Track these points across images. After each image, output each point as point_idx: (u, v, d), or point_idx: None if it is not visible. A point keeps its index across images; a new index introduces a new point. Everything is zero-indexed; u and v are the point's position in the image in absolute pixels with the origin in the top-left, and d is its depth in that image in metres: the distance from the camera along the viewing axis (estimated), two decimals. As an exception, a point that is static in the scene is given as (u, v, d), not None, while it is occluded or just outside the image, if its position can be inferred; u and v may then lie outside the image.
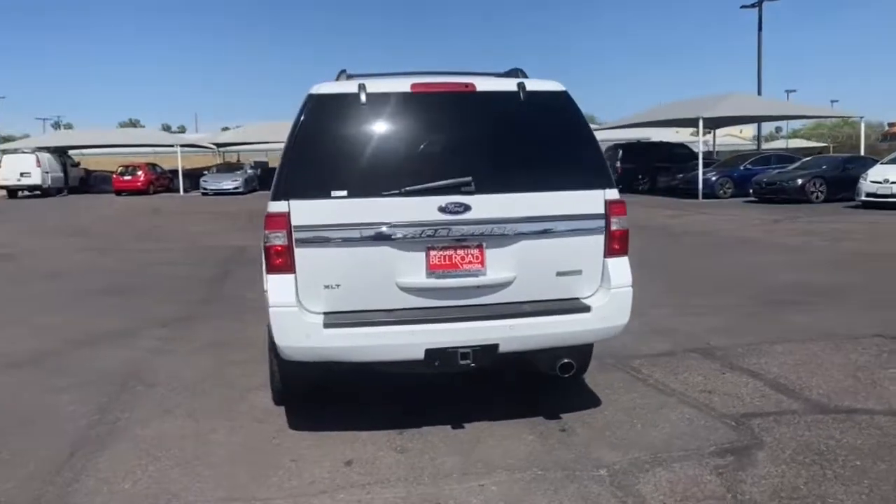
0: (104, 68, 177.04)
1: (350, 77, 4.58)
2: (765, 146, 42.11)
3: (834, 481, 3.68)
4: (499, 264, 4.21)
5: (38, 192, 37.70)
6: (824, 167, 23.46)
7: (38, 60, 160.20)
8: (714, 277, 9.69)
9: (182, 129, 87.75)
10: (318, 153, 4.17)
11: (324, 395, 5.10)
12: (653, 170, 29.59)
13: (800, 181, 22.52)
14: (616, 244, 4.37)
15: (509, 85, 4.39)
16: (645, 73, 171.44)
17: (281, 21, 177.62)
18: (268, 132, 40.82)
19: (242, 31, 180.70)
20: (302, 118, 4.18)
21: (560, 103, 4.43)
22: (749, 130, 55.43)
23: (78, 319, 8.03)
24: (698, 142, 27.50)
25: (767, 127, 50.82)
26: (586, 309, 4.26)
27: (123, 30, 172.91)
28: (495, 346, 4.13)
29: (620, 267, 4.37)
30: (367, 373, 4.66)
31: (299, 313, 4.02)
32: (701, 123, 26.26)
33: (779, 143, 64.93)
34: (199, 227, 19.07)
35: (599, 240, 4.33)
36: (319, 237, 4.05)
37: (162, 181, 40.09)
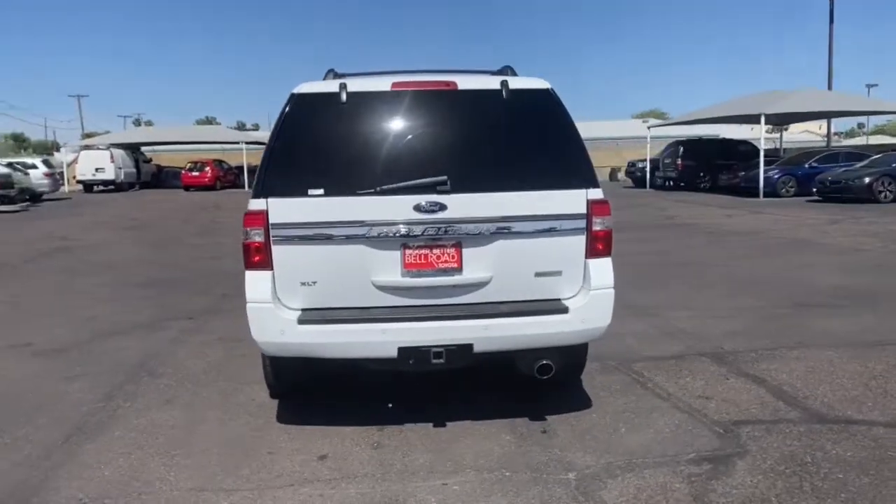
0: (183, 68, 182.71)
1: (338, 76, 4.63)
2: (845, 143, 40.45)
3: (809, 494, 3.55)
4: (475, 264, 4.19)
5: (111, 187, 39.30)
6: (895, 165, 22.40)
7: (120, 60, 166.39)
8: (748, 279, 9.39)
9: (256, 127, 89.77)
10: (298, 152, 4.23)
11: (316, 390, 5.19)
12: (714, 167, 28.87)
13: (867, 179, 21.58)
14: (598, 245, 4.29)
15: (492, 83, 4.36)
16: (723, 68, 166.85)
17: (347, 20, 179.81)
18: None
19: (310, 31, 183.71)
20: (283, 118, 4.25)
21: (544, 101, 4.38)
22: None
23: (113, 311, 8.34)
24: (763, 139, 26.59)
25: (849, 123, 48.66)
26: (564, 310, 4.20)
27: (201, 31, 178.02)
28: (469, 346, 4.12)
29: (602, 268, 4.29)
30: (357, 369, 4.71)
31: (274, 309, 4.09)
32: (763, 120, 25.39)
33: (858, 140, 62.22)
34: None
35: (581, 240, 4.27)
36: (296, 235, 4.11)
37: (228, 177, 41.14)
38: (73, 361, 6.23)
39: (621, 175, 40.44)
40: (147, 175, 43.11)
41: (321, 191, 4.12)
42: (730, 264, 10.70)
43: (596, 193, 4.29)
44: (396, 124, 4.30)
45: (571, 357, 4.74)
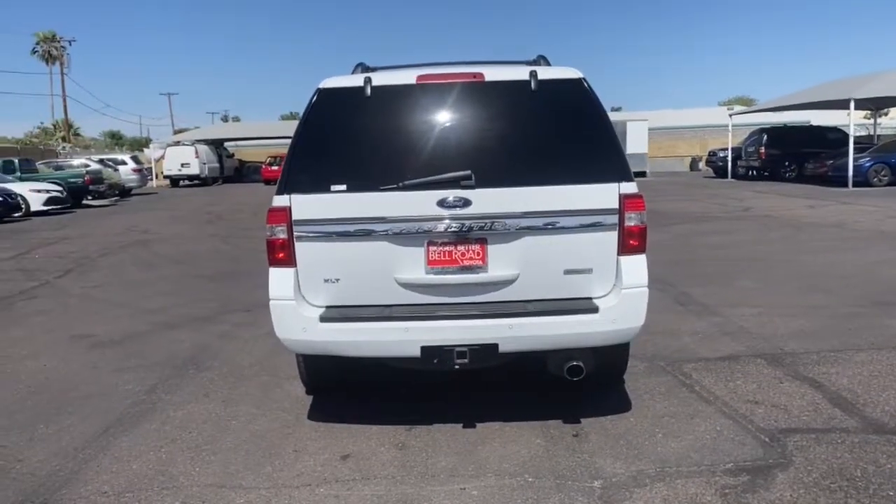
0: (269, 64, 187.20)
1: (367, 70, 4.55)
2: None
3: (853, 512, 3.27)
4: (501, 261, 4.06)
5: (196, 182, 40.68)
6: None
7: (207, 58, 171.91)
8: (823, 275, 8.87)
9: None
10: (322, 148, 4.18)
11: (353, 387, 5.16)
12: (800, 156, 27.57)
13: (968, 167, 20.15)
14: (631, 241, 4.08)
15: (520, 74, 4.20)
16: (820, 51, 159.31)
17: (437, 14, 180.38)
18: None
19: (389, 23, 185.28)
20: (307, 113, 4.21)
21: (574, 92, 4.19)
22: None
23: (175, 303, 8.56)
24: (853, 125, 25.17)
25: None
26: (594, 310, 4.02)
27: (285, 27, 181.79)
28: (494, 346, 3.99)
29: (635, 266, 4.08)
30: (386, 367, 4.64)
31: (297, 307, 4.06)
32: (852, 105, 23.99)
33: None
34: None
35: (612, 236, 4.06)
36: (319, 232, 4.06)
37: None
38: (128, 353, 6.41)
39: (702, 165, 39.17)
40: (230, 170, 44.45)
41: (344, 186, 4.06)
42: (805, 259, 10.15)
43: (629, 187, 4.08)
44: (421, 118, 4.20)
45: (608, 358, 4.54)
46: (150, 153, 46.40)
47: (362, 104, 4.17)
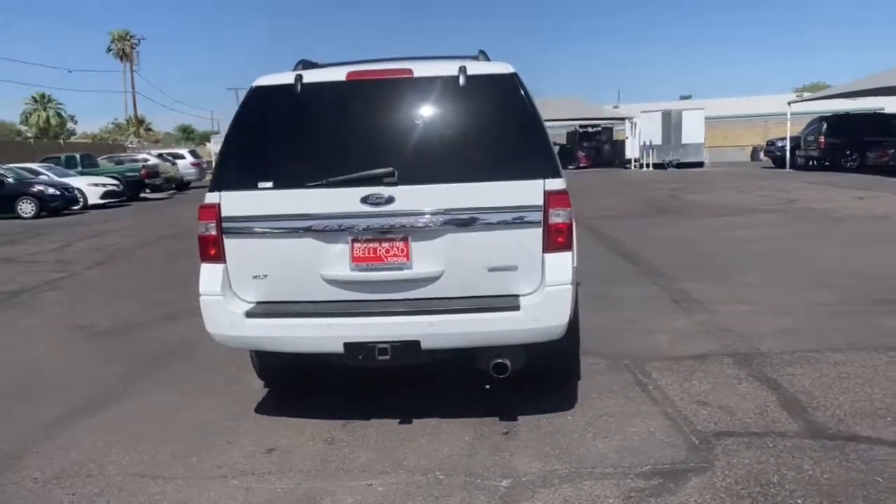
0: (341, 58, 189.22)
1: (309, 66, 4.59)
2: None
3: (753, 520, 3.17)
4: (425, 258, 4.05)
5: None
6: None
7: (273, 54, 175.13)
8: (837, 271, 8.52)
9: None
10: (252, 145, 4.26)
11: (311, 381, 5.23)
12: (863, 144, 26.45)
13: None
14: (556, 238, 4.02)
15: (449, 69, 4.18)
16: None
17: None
18: (565, 109, 40.84)
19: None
20: (239, 111, 4.28)
21: (503, 87, 4.15)
22: None
23: (184, 296, 8.71)
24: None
25: None
26: (515, 308, 3.98)
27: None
28: (416, 342, 3.99)
29: (559, 263, 4.02)
30: (328, 362, 4.70)
31: (224, 302, 4.15)
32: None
33: None
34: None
35: (537, 233, 4.01)
36: (247, 228, 4.14)
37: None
38: (120, 344, 6.65)
39: (762, 155, 37.97)
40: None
41: (270, 183, 4.12)
42: (827, 254, 9.76)
43: (555, 184, 4.02)
44: (350, 115, 4.23)
45: (552, 356, 4.49)
46: (212, 147, 47.65)
47: (293, 102, 4.21)
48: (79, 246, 14.23)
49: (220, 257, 4.18)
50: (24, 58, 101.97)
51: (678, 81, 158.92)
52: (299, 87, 4.21)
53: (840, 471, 3.57)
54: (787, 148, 30.47)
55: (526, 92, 4.16)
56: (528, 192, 3.99)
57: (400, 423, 4.44)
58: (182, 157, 35.70)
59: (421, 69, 4.21)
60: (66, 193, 22.09)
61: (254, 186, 4.13)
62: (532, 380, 4.90)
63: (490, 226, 4.01)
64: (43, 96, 73.78)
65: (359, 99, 4.21)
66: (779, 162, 31.90)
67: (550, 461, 3.84)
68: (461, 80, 4.12)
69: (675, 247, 10.91)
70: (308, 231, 4.07)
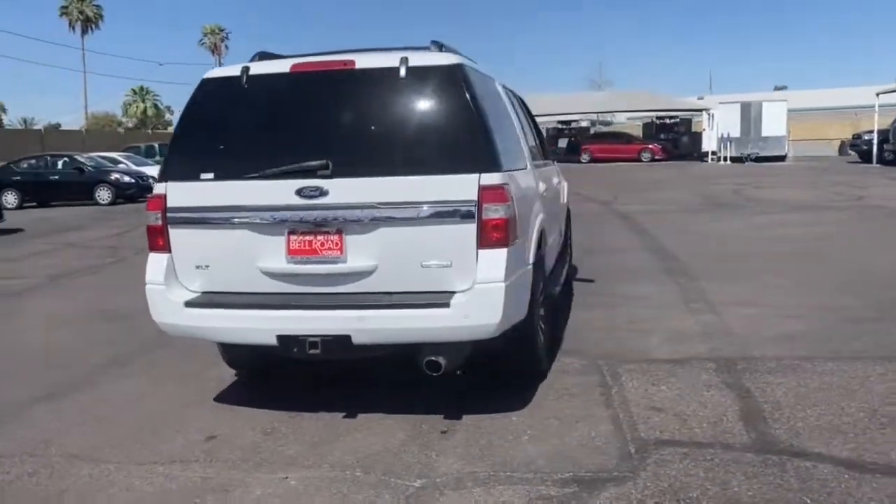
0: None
1: (266, 58, 4.58)
2: None
3: (653, 536, 3.00)
4: (359, 252, 4.01)
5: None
6: None
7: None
8: (873, 273, 7.98)
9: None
10: (199, 136, 4.32)
11: (280, 371, 5.27)
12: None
13: None
14: (491, 234, 3.91)
15: (392, 60, 4.11)
16: None
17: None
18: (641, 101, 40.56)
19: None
20: (188, 102, 4.33)
21: (444, 79, 4.06)
22: None
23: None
24: None
25: None
26: (445, 304, 3.89)
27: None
28: (347, 337, 3.96)
29: (492, 260, 3.91)
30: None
31: (166, 291, 4.22)
32: None
33: None
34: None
35: (471, 229, 3.91)
36: (189, 219, 4.20)
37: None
38: (126, 328, 6.85)
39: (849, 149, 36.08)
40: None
41: (212, 175, 4.16)
42: (872, 257, 9.17)
43: (490, 178, 3.90)
44: (291, 107, 4.23)
45: (505, 355, 4.40)
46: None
47: (239, 94, 4.24)
48: (137, 232, 14.79)
49: (165, 247, 4.25)
50: (125, 53, 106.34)
51: (773, 72, 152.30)
52: (245, 80, 4.23)
53: (768, 489, 3.34)
54: (875, 142, 28.82)
55: (468, 84, 4.04)
56: (462, 186, 3.89)
57: (344, 416, 4.42)
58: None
59: (364, 61, 4.17)
60: (141, 181, 23.03)
61: (197, 178, 4.18)
62: (493, 378, 4.80)
63: (424, 221, 3.93)
64: (142, 88, 77.53)
65: (301, 91, 4.20)
66: (865, 157, 30.25)
67: (474, 463, 3.74)
68: (402, 72, 4.04)
69: (713, 244, 10.51)
70: (246, 223, 4.10)
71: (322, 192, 3.98)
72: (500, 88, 5.05)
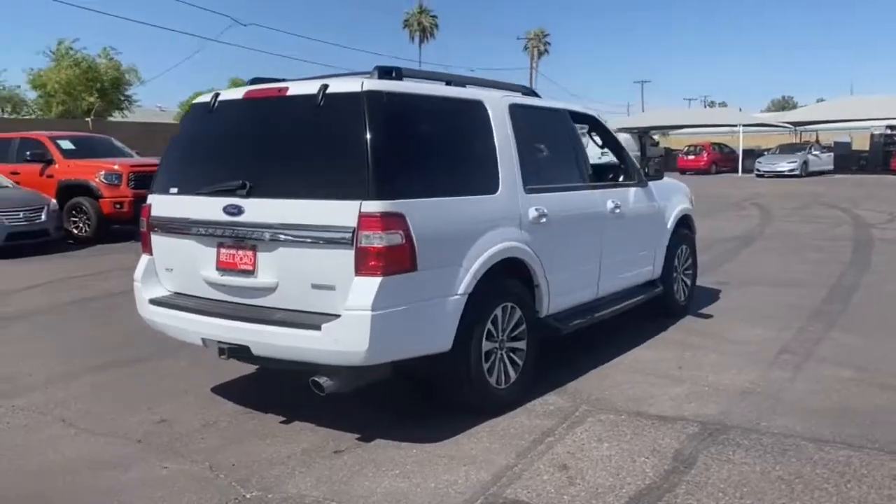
0: (760, 48, 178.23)
1: (259, 81, 4.97)
2: None
3: None
4: (266, 269, 4.26)
5: (617, 170, 41.78)
6: None
7: (688, 43, 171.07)
8: None
9: (791, 105, 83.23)
10: (178, 154, 4.88)
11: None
12: None
13: None
14: (368, 262, 3.90)
15: (313, 87, 4.27)
16: None
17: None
18: (853, 108, 36.97)
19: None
20: (181, 122, 4.93)
21: (349, 106, 4.10)
22: None
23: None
24: None
25: None
26: (317, 327, 3.97)
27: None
28: (247, 347, 4.24)
29: (365, 288, 3.90)
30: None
31: (141, 288, 4.86)
32: None
33: None
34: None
35: (350, 255, 3.94)
36: (161, 226, 4.78)
37: (727, 161, 39.88)
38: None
39: None
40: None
41: (176, 190, 4.70)
42: None
43: (372, 206, 3.89)
44: (236, 130, 4.60)
45: (440, 382, 4.49)
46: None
47: (208, 117, 4.72)
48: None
49: (149, 250, 4.89)
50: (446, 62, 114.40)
51: None
52: (213, 105, 4.70)
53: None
54: None
55: (373, 110, 4.05)
56: (344, 212, 3.94)
57: (281, 422, 4.68)
58: (540, 150, 37.42)
59: (297, 87, 4.38)
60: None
61: (168, 192, 4.75)
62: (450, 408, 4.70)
63: (312, 244, 4.06)
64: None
65: (245, 115, 4.57)
66: None
67: (320, 487, 3.78)
68: (319, 99, 4.19)
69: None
70: (192, 234, 4.56)
71: (240, 210, 4.30)
72: (490, 112, 4.85)
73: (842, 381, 5.24)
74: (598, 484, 3.75)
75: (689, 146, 40.15)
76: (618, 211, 5.93)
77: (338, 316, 4.00)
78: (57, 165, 14.22)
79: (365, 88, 4.12)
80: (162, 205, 4.79)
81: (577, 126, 6.15)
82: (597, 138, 6.68)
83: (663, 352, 6.09)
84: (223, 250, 4.43)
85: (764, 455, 4.04)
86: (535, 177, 5.07)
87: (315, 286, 4.10)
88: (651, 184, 6.69)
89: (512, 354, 4.82)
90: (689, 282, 7.40)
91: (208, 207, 4.44)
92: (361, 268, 3.92)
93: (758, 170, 34.71)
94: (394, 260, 3.93)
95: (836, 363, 5.67)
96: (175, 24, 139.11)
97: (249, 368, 5.55)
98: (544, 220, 5.00)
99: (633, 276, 6.42)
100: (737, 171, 38.07)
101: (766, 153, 37.16)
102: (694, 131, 48.13)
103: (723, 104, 78.76)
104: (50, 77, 30.28)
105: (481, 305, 4.47)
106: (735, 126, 39.94)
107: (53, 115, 29.14)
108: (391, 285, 3.93)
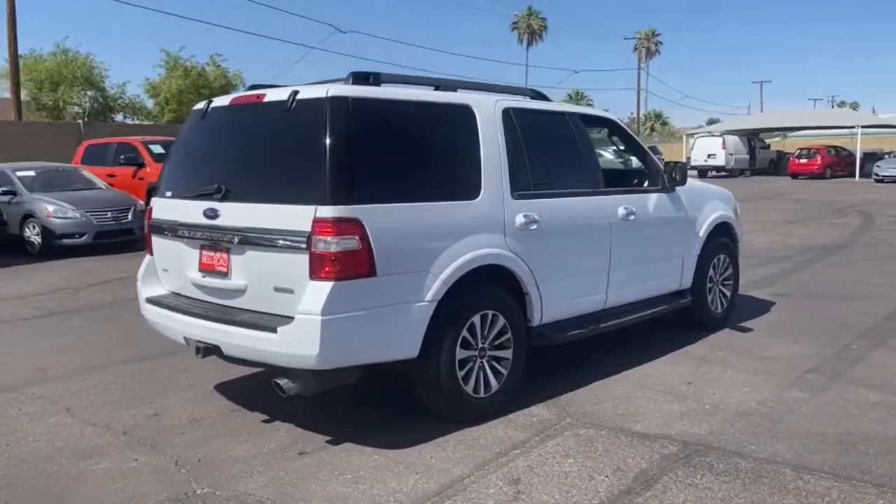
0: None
1: (253, 88, 5.10)
2: None
3: None
4: (238, 271, 4.37)
5: (723, 174, 40.15)
6: None
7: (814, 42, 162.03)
8: None
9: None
10: (176, 159, 5.07)
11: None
12: None
13: None
14: (321, 267, 3.93)
15: (285, 94, 4.34)
16: None
17: None
18: None
19: None
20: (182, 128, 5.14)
21: (315, 111, 4.13)
22: None
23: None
24: None
25: None
26: (273, 330, 4.03)
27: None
28: (218, 347, 4.36)
29: (317, 293, 3.92)
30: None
31: (141, 287, 5.08)
32: None
33: None
34: (766, 216, 18.02)
35: (304, 260, 3.98)
36: (157, 228, 4.99)
37: (844, 165, 37.54)
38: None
39: None
40: (763, 161, 42.46)
41: (170, 193, 4.90)
42: None
43: (326, 212, 3.91)
44: (219, 136, 4.73)
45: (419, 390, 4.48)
46: (700, 142, 46.91)
47: (200, 123, 4.89)
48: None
49: (150, 250, 5.11)
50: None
51: None
52: (206, 111, 4.86)
53: None
54: None
55: (335, 116, 4.07)
56: (300, 217, 3.99)
57: (262, 421, 4.79)
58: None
59: (273, 94, 4.46)
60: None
61: (164, 195, 4.95)
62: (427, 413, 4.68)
63: (273, 247, 4.13)
64: (578, 94, 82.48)
65: (228, 122, 4.70)
66: None
67: (268, 488, 3.84)
68: (288, 105, 4.26)
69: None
70: (179, 236, 4.73)
71: (216, 214, 4.42)
72: (478, 117, 4.77)
73: (860, 406, 4.84)
74: (543, 501, 3.62)
75: (802, 149, 37.96)
76: (632, 218, 5.70)
77: (291, 318, 4.05)
78: (148, 168, 15.06)
79: (329, 94, 4.14)
80: (159, 208, 4.99)
81: (594, 129, 5.96)
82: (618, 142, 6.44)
83: (679, 366, 5.80)
84: (204, 252, 4.57)
85: (733, 481, 3.78)
86: (528, 182, 4.95)
87: (277, 289, 4.16)
88: (681, 190, 6.38)
89: (495, 363, 4.72)
90: (728, 293, 7.01)
91: (192, 210, 4.59)
92: (315, 272, 3.95)
93: (876, 174, 32.48)
94: (349, 265, 3.93)
95: (865, 386, 5.24)
96: (278, 34, 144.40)
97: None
98: (535, 226, 4.87)
99: (654, 286, 6.14)
100: (853, 176, 35.75)
101: (886, 156, 34.72)
102: (815, 133, 45.55)
103: (854, 105, 74.31)
104: (162, 87, 32.25)
105: (454, 313, 4.41)
106: (853, 127, 37.50)
107: (165, 121, 30.98)
108: (345, 290, 3.94)
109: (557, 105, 5.78)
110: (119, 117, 33.36)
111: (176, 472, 4.06)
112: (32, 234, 12.80)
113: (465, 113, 4.75)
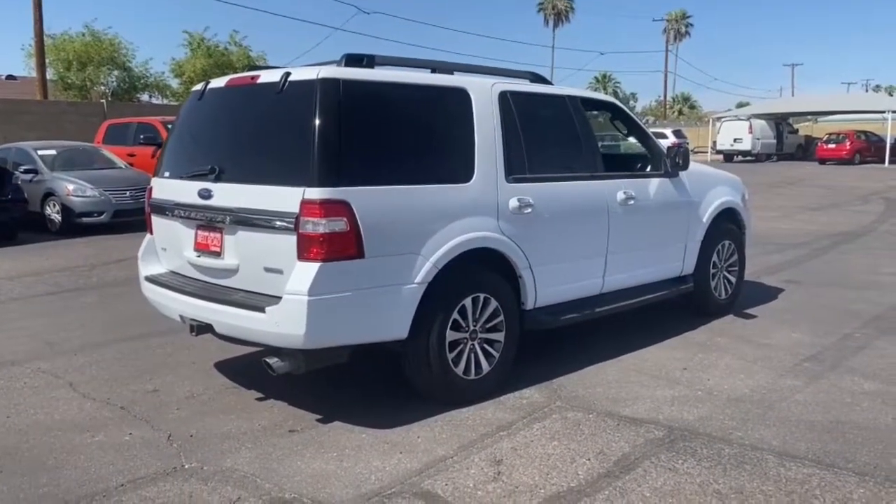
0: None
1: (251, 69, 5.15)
2: None
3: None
4: (231, 250, 4.43)
5: (749, 158, 39.59)
6: None
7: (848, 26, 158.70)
8: None
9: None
10: (175, 139, 5.13)
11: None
12: None
13: None
14: (309, 248, 3.97)
15: (278, 75, 4.37)
16: None
17: None
18: None
19: None
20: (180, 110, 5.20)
21: (304, 93, 4.15)
22: None
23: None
24: None
25: None
26: (261, 309, 4.09)
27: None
28: (210, 326, 4.43)
29: (304, 273, 3.97)
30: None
31: (140, 266, 5.17)
32: None
33: None
34: (788, 202, 17.88)
35: (292, 241, 4.03)
36: (156, 208, 5.06)
37: (874, 151, 36.83)
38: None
39: None
40: (790, 146, 41.76)
41: (168, 174, 4.96)
42: None
43: (314, 193, 3.95)
44: (215, 116, 4.78)
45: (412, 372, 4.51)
46: (726, 126, 46.26)
47: (198, 104, 4.94)
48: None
49: (150, 230, 5.19)
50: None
51: None
52: (203, 92, 4.91)
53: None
54: None
55: (325, 98, 4.08)
56: (288, 198, 4.02)
57: (257, 398, 4.87)
58: (664, 136, 36.07)
59: (267, 75, 4.50)
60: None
61: (163, 175, 5.02)
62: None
63: (263, 228, 4.18)
64: (605, 76, 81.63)
65: (225, 103, 4.74)
66: None
67: (251, 464, 3.92)
68: (281, 86, 4.29)
69: None
70: (175, 216, 4.80)
71: (210, 194, 4.48)
72: (474, 100, 4.76)
73: (855, 395, 4.80)
74: (521, 482, 3.66)
75: (830, 134, 37.28)
76: (631, 203, 5.67)
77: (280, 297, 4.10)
78: (167, 148, 15.19)
79: (320, 76, 4.16)
80: (159, 188, 5.07)
81: (594, 113, 5.92)
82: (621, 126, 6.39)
83: (676, 352, 5.79)
84: (200, 232, 4.64)
85: (713, 467, 3.79)
86: (524, 166, 4.95)
87: (267, 269, 4.22)
88: (685, 175, 6.32)
89: (487, 346, 4.75)
90: (733, 279, 6.95)
91: (188, 191, 4.65)
92: (302, 253, 3.99)
93: (909, 159, 31.86)
94: (336, 247, 3.97)
95: (863, 375, 5.19)
96: (301, 14, 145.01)
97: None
98: (529, 210, 4.87)
99: (655, 271, 6.12)
100: (883, 162, 35.07)
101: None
102: (846, 118, 44.64)
103: (890, 89, 72.60)
104: (186, 66, 32.49)
105: (445, 295, 4.44)
106: (884, 112, 36.67)
107: (188, 100, 31.20)
108: (332, 271, 3.98)
109: (556, 89, 5.74)
110: (144, 97, 33.69)
111: (167, 446, 4.14)
112: (53, 212, 13.03)
113: (460, 96, 4.75)
